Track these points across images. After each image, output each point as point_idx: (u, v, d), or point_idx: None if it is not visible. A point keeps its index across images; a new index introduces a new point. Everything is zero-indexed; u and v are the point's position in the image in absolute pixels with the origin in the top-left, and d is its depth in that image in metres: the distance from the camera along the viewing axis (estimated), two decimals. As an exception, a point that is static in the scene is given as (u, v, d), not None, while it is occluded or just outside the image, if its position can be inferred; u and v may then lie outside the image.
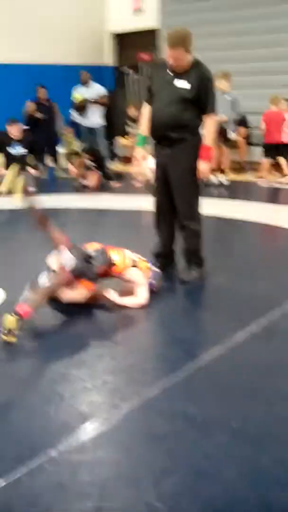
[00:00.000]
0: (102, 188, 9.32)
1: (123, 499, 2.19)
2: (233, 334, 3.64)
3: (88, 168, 9.53)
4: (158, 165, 4.64)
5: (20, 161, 9.18)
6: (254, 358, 3.37)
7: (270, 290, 4.45)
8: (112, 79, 14.90)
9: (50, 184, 10.11)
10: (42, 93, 10.80)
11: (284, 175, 9.45)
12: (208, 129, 4.39)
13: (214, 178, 9.28)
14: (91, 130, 10.26)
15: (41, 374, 3.25)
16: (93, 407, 2.85)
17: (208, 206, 7.54)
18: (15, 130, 9.16)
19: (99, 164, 9.59)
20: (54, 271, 3.96)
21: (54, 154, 10.93)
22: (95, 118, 10.20)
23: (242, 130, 10.30)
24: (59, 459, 2.43)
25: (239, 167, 10.39)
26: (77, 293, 4.00)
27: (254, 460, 2.42)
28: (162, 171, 4.60)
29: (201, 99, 4.31)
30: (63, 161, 10.87)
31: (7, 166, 9.26)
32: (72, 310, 3.99)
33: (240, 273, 4.88)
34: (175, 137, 4.40)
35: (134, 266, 4.23)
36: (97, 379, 3.12)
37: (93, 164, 9.45)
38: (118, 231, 6.54)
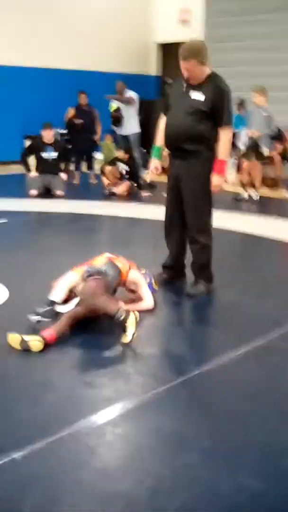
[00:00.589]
0: (131, 196, 9.31)
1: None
2: (227, 351, 3.57)
3: (120, 176, 9.54)
4: (171, 176, 4.61)
5: (52, 165, 9.26)
6: (241, 379, 3.29)
7: (275, 309, 4.35)
8: (154, 88, 14.97)
9: (82, 189, 10.18)
10: (83, 99, 10.87)
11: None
12: (222, 142, 4.32)
13: (245, 193, 9.18)
14: (126, 138, 10.27)
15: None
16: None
17: (235, 221, 7.64)
18: (49, 135, 9.25)
19: (132, 172, 9.59)
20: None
21: (90, 160, 10.99)
22: (129, 125, 10.20)
23: (278, 145, 10.18)
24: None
25: (273, 183, 10.25)
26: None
27: (216, 483, 2.35)
28: (175, 182, 4.57)
29: (216, 112, 4.26)
30: (98, 168, 10.92)
31: (39, 170, 9.37)
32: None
33: (250, 290, 4.79)
34: (189, 149, 4.37)
35: (130, 269, 4.24)
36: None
37: (126, 171, 9.46)
38: (133, 239, 6.55)
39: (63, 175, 9.39)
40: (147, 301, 4.20)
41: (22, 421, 2.76)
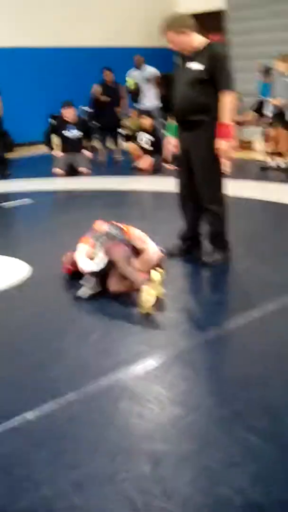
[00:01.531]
0: (156, 170, 9.32)
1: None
2: (239, 316, 3.61)
3: (144, 150, 9.55)
4: (181, 149, 4.61)
5: (75, 143, 9.33)
6: (253, 342, 3.34)
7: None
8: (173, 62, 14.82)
9: (107, 166, 10.23)
10: (109, 76, 10.84)
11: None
12: (223, 106, 4.25)
13: (272, 162, 9.10)
14: (147, 112, 10.25)
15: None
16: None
17: (263, 191, 7.61)
18: (70, 114, 9.30)
19: (157, 145, 9.58)
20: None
21: (115, 137, 11.00)
22: (149, 100, 10.17)
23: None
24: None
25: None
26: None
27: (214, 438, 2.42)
28: (184, 154, 4.58)
29: (214, 78, 4.24)
30: (123, 144, 10.93)
31: (63, 149, 9.45)
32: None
33: (268, 259, 4.78)
34: (194, 120, 4.37)
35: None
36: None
37: (151, 142, 9.45)
38: (154, 213, 6.61)
39: (87, 153, 9.44)
40: (152, 248, 4.28)
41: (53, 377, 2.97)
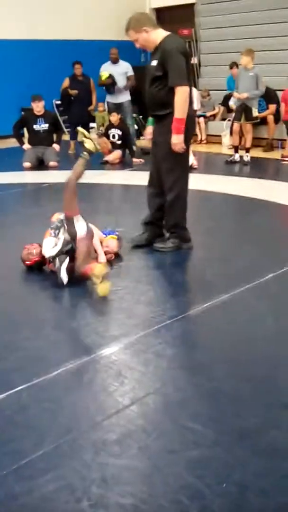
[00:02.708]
0: (124, 163, 9.38)
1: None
2: (194, 305, 3.70)
3: (112, 144, 9.59)
4: (152, 141, 4.77)
5: (44, 136, 9.34)
6: (195, 333, 3.43)
7: (247, 267, 4.45)
8: (144, 54, 14.87)
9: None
10: (77, 69, 10.83)
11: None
12: (175, 101, 4.32)
13: (236, 155, 9.20)
14: (119, 106, 10.27)
15: None
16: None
17: (226, 184, 7.73)
18: (38, 106, 9.30)
19: (126, 138, 9.62)
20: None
21: (85, 130, 11.00)
22: (122, 93, 10.18)
23: (271, 106, 10.14)
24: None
25: (266, 145, 10.25)
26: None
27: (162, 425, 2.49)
28: (153, 146, 4.75)
29: (166, 73, 4.31)
30: (93, 137, 10.95)
31: (32, 142, 9.45)
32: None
33: (224, 250, 4.91)
34: (158, 114, 4.50)
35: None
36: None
37: (118, 136, 9.49)
38: (118, 205, 6.67)
39: (56, 146, 9.45)
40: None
41: (5, 368, 2.95)
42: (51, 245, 4.21)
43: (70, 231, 4.13)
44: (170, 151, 4.51)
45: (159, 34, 4.36)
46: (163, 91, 4.38)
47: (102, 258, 4.44)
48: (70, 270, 4.07)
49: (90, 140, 4.28)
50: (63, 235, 4.17)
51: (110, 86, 10.07)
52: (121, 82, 10.02)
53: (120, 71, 10.05)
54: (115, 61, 10.14)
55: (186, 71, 4.37)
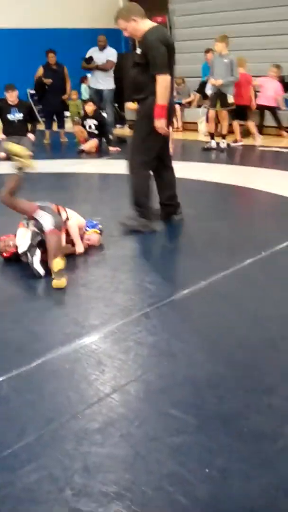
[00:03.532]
0: (100, 152, 9.33)
1: None
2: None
3: (88, 133, 9.54)
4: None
5: (18, 126, 9.25)
6: (174, 320, 3.43)
7: (216, 257, 4.47)
8: (125, 42, 14.79)
9: (52, 148, 10.17)
10: (51, 58, 10.75)
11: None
12: (157, 88, 4.53)
13: (213, 142, 9.20)
14: (99, 93, 10.21)
15: None
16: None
17: (203, 171, 7.73)
18: (13, 97, 9.21)
19: (102, 128, 9.58)
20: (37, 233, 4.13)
21: (60, 119, 10.93)
22: (104, 81, 10.13)
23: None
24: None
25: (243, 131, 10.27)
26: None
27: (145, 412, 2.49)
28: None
29: (148, 62, 4.53)
30: (68, 126, 10.89)
31: (6, 132, 9.36)
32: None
33: (202, 237, 4.90)
34: (138, 97, 4.77)
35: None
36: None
37: (94, 126, 9.45)
38: (96, 194, 6.63)
39: (31, 136, 9.36)
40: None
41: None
42: (22, 237, 4.17)
43: (37, 226, 4.14)
44: (141, 133, 4.79)
45: (146, 25, 4.58)
46: (142, 76, 4.61)
47: (80, 248, 4.42)
48: (44, 261, 4.04)
49: (19, 158, 4.25)
50: (32, 227, 4.15)
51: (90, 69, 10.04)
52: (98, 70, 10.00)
53: (104, 57, 10.01)
54: (102, 48, 10.10)
55: (166, 61, 4.54)
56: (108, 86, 10.26)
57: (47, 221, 4.12)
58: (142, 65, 4.57)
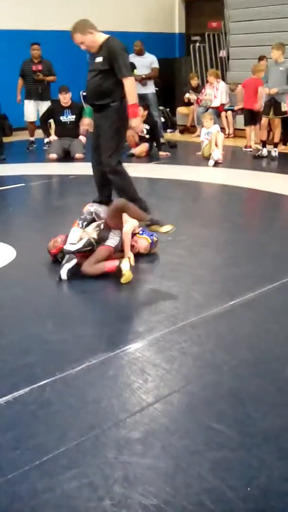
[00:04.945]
0: (151, 157, 9.34)
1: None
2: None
3: (140, 136, 9.55)
4: (94, 125, 5.15)
5: (70, 128, 9.34)
6: (220, 332, 3.39)
7: (250, 274, 4.40)
8: (179, 46, 14.82)
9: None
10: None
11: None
12: (127, 90, 4.80)
13: (264, 150, 9.11)
14: (142, 97, 10.20)
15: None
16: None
17: (253, 179, 7.66)
18: (66, 98, 9.31)
19: (153, 132, 9.58)
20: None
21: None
22: (145, 85, 10.11)
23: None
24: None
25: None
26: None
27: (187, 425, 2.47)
28: (95, 130, 5.09)
29: (114, 67, 4.76)
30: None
31: (58, 134, 9.46)
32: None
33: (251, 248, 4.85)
34: (100, 103, 4.90)
35: None
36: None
37: (146, 130, 9.46)
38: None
39: (82, 138, 9.43)
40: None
41: (30, 361, 2.97)
42: (75, 238, 4.21)
43: (101, 235, 4.22)
44: (112, 135, 4.89)
45: (101, 36, 4.88)
46: (107, 82, 4.80)
47: (129, 254, 4.42)
48: (73, 272, 4.11)
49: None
50: (88, 234, 4.17)
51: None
52: (146, 73, 10.00)
53: (145, 63, 10.00)
54: (139, 53, 10.09)
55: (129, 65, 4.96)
56: (151, 90, 10.25)
57: (114, 241, 4.26)
58: (105, 71, 4.79)
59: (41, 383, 2.80)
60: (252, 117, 9.68)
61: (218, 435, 2.40)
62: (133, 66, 9.84)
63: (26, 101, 10.19)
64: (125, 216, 4.41)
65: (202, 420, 2.51)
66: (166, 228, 4.37)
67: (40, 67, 9.97)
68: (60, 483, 2.15)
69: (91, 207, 4.45)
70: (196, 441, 2.37)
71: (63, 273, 4.08)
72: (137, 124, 5.02)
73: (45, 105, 10.01)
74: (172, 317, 3.49)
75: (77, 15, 5.07)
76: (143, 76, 9.97)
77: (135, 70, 9.92)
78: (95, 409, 2.60)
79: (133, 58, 10.07)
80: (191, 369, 2.95)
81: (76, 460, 2.27)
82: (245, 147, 9.77)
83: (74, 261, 4.12)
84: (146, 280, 4.15)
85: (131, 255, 4.37)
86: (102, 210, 4.51)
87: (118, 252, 4.34)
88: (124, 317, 3.58)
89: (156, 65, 10.04)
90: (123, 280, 3.91)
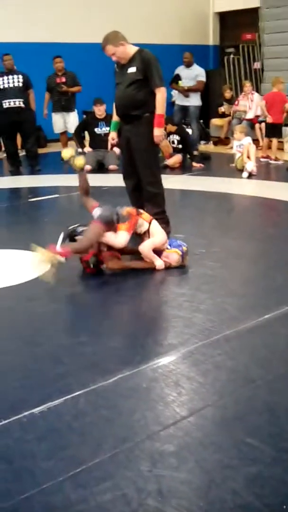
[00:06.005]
0: (184, 168, 9.36)
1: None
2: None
3: (174, 148, 9.59)
4: (123, 138, 5.21)
5: (105, 139, 9.38)
6: (255, 345, 3.36)
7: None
8: (214, 58, 14.83)
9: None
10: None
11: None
12: (157, 100, 4.89)
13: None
14: (184, 109, 10.22)
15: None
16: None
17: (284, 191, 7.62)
18: (100, 110, 9.39)
19: (185, 143, 9.60)
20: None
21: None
22: (190, 97, 10.11)
23: None
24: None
25: None
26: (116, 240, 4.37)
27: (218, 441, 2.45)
28: (126, 143, 5.16)
29: (147, 78, 4.88)
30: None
31: (92, 145, 9.53)
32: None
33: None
34: (133, 114, 4.99)
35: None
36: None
37: (177, 141, 9.49)
38: (176, 211, 6.62)
39: (117, 150, 9.47)
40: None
41: (63, 372, 2.98)
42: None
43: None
44: (148, 147, 5.03)
45: (132, 47, 4.98)
46: (141, 93, 4.91)
47: (158, 262, 4.44)
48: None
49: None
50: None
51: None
52: (191, 85, 10.02)
53: (191, 75, 10.00)
54: (188, 65, 10.12)
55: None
56: (195, 103, 10.22)
57: (95, 213, 4.40)
58: (139, 81, 4.87)
59: (74, 394, 2.81)
60: (272, 130, 9.80)
61: (252, 450, 2.38)
62: (178, 78, 9.91)
63: (53, 114, 10.36)
64: (154, 227, 4.51)
65: (236, 435, 2.49)
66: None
67: (63, 79, 10.09)
68: (93, 494, 2.15)
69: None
70: (230, 455, 2.35)
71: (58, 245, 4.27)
72: (161, 134, 5.06)
73: (71, 116, 10.15)
74: (206, 330, 3.48)
75: (110, 28, 5.12)
76: (186, 87, 9.97)
77: (179, 82, 9.98)
78: (129, 421, 2.60)
79: (181, 69, 10.12)
80: (225, 383, 2.92)
81: (109, 472, 2.27)
82: (262, 157, 9.80)
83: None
84: (179, 293, 4.14)
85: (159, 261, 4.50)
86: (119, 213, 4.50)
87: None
88: (158, 329, 3.58)
89: (202, 78, 10.03)
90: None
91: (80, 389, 2.85)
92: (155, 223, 4.59)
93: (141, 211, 4.68)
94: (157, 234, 4.52)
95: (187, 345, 3.30)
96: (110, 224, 4.35)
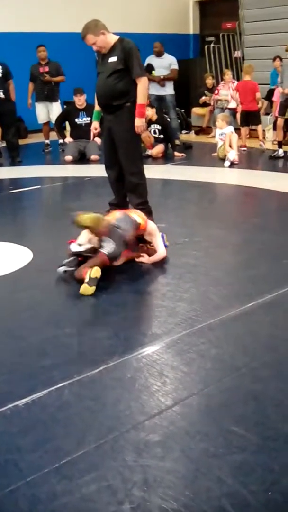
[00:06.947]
0: (166, 158, 9.34)
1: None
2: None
3: (155, 138, 9.55)
4: (105, 128, 5.13)
5: (85, 130, 9.33)
6: (237, 333, 3.37)
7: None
8: (194, 47, 14.80)
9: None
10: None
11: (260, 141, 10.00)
12: (139, 89, 4.84)
13: (280, 151, 9.07)
14: (160, 99, 10.21)
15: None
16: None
17: (269, 180, 7.63)
18: (81, 100, 9.33)
19: (166, 133, 9.57)
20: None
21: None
22: (165, 87, 10.11)
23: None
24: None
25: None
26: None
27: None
28: (108, 133, 5.08)
29: (128, 67, 4.82)
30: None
31: (73, 136, 9.48)
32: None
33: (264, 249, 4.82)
34: (114, 104, 4.91)
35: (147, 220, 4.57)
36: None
37: (158, 131, 9.46)
38: (158, 200, 6.60)
39: (98, 140, 9.42)
40: (161, 253, 4.50)
41: (47, 364, 2.96)
42: (83, 239, 4.23)
43: (100, 245, 4.18)
44: (131, 137, 4.97)
45: (113, 36, 4.91)
46: (122, 82, 4.85)
47: (162, 249, 4.51)
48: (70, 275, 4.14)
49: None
50: (91, 243, 4.20)
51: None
52: (165, 74, 10.01)
53: (164, 64, 10.00)
54: (158, 54, 10.10)
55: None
56: (170, 91, 10.26)
57: (107, 247, 4.14)
58: (120, 71, 4.81)
59: (59, 386, 2.79)
60: (247, 118, 9.82)
61: (238, 438, 2.38)
62: (151, 67, 9.88)
63: (36, 104, 10.24)
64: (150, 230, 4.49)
65: (221, 423, 2.49)
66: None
67: (47, 69, 9.99)
68: (79, 486, 2.13)
69: (116, 222, 4.32)
70: (216, 444, 2.35)
71: (60, 271, 4.17)
72: (142, 124, 4.99)
73: (54, 106, 10.06)
74: (189, 319, 3.47)
75: (90, 17, 5.05)
76: (162, 77, 9.97)
77: (153, 71, 9.95)
78: (114, 412, 2.59)
79: (152, 59, 10.10)
80: (210, 372, 2.92)
81: (95, 463, 2.25)
82: (240, 146, 9.69)
83: (74, 267, 4.14)
84: (162, 282, 4.13)
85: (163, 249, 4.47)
86: (124, 227, 4.33)
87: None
88: (141, 319, 3.57)
89: (175, 66, 10.05)
90: (82, 290, 3.87)
91: (65, 380, 2.83)
92: (150, 223, 4.55)
93: (142, 213, 4.62)
94: (155, 234, 4.52)
95: (171, 334, 3.29)
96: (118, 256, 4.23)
